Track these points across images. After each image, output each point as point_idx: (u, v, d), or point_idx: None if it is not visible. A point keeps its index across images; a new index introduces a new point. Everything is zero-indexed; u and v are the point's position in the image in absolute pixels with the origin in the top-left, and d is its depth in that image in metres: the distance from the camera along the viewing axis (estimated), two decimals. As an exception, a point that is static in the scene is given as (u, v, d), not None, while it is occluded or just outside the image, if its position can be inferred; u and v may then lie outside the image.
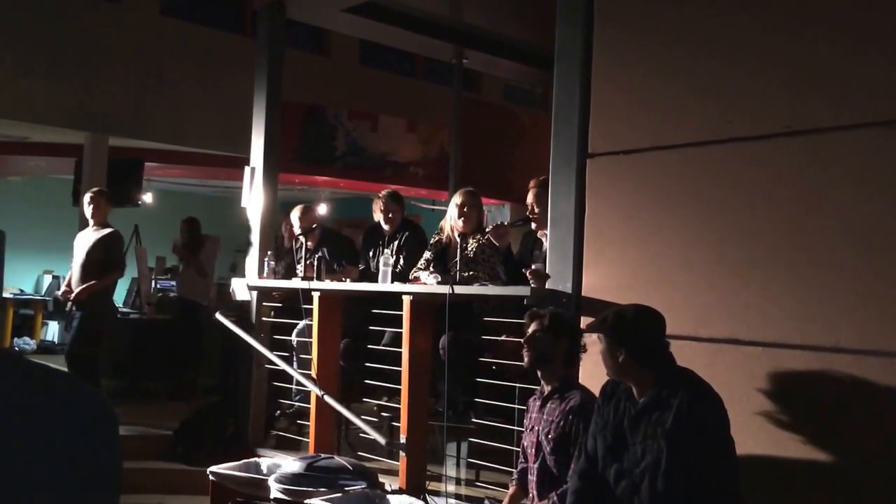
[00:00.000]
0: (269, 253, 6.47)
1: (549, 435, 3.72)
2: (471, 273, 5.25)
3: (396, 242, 6.15)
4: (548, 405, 3.80)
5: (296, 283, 6.06)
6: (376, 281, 5.58)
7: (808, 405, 3.54)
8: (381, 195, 6.29)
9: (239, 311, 6.64)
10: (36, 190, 12.82)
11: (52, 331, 12.33)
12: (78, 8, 9.27)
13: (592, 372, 4.07)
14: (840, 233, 3.47)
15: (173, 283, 9.94)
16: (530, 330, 3.81)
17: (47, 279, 12.94)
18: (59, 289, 12.52)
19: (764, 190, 3.72)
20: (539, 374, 3.88)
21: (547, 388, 3.85)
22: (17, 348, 11.79)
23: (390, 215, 6.17)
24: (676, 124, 4.04)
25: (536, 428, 3.82)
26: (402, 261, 5.98)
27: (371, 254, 6.28)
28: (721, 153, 3.85)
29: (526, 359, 3.82)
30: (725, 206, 3.83)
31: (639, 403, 3.15)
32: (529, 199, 5.37)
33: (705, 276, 3.87)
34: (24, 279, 13.07)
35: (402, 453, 5.09)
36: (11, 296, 12.55)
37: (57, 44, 8.96)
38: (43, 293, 12.91)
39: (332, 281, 5.94)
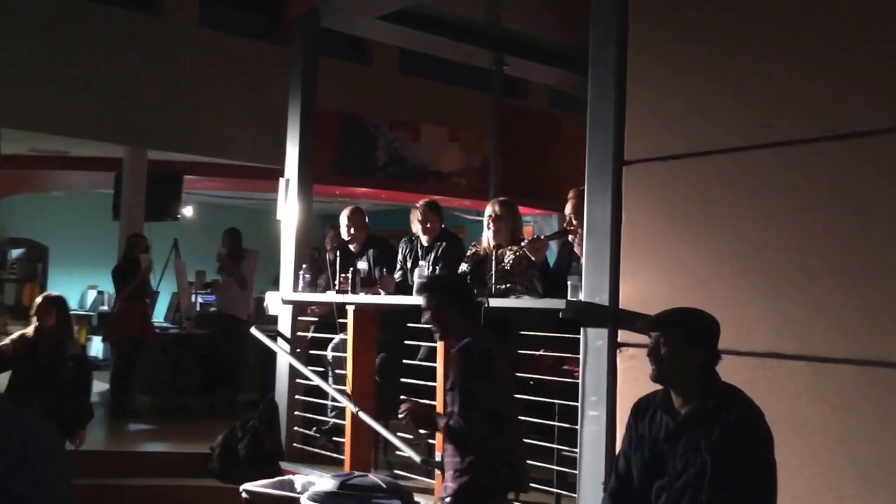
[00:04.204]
0: (303, 266, 6.38)
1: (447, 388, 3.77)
2: (507, 286, 5.11)
3: (433, 253, 6.02)
4: None
5: (330, 296, 5.97)
6: (412, 293, 5.45)
7: (854, 422, 3.38)
8: (418, 205, 6.18)
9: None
10: (78, 205, 12.96)
11: (97, 346, 12.44)
12: (116, 21, 9.32)
13: (630, 387, 3.93)
14: (887, 240, 3.33)
15: (213, 297, 9.93)
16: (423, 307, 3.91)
17: (91, 294, 13.05)
18: (103, 304, 12.70)
19: (806, 196, 3.58)
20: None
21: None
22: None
23: (428, 225, 6.05)
24: (714, 129, 3.90)
25: None
26: (437, 272, 5.84)
27: (409, 265, 6.15)
28: (761, 158, 3.72)
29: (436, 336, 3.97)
30: (766, 214, 3.70)
31: (680, 415, 3.01)
32: (567, 210, 5.24)
33: (746, 287, 3.73)
34: (68, 294, 13.14)
35: (437, 471, 4.96)
36: (56, 311, 12.68)
37: (95, 58, 9.03)
38: (87, 308, 13.01)
39: (366, 294, 5.83)
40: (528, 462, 4.79)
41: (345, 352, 5.84)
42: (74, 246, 12.69)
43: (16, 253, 12.79)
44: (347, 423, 5.68)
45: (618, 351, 4.15)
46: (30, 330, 5.62)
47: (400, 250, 6.30)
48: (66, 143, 9.66)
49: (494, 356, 3.81)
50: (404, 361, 5.59)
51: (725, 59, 3.91)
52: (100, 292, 12.80)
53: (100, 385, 9.93)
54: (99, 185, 11.43)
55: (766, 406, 2.97)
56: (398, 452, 5.43)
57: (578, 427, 4.31)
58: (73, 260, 12.79)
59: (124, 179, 9.72)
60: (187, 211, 11.55)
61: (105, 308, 12.15)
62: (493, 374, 3.73)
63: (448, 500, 3.75)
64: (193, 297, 10.33)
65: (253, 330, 6.63)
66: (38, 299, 5.75)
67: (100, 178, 10.86)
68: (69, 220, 12.89)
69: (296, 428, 6.35)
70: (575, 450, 4.35)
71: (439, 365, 5.03)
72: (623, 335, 4.15)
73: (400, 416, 3.99)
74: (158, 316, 10.28)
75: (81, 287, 13.24)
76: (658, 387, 3.15)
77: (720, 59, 3.93)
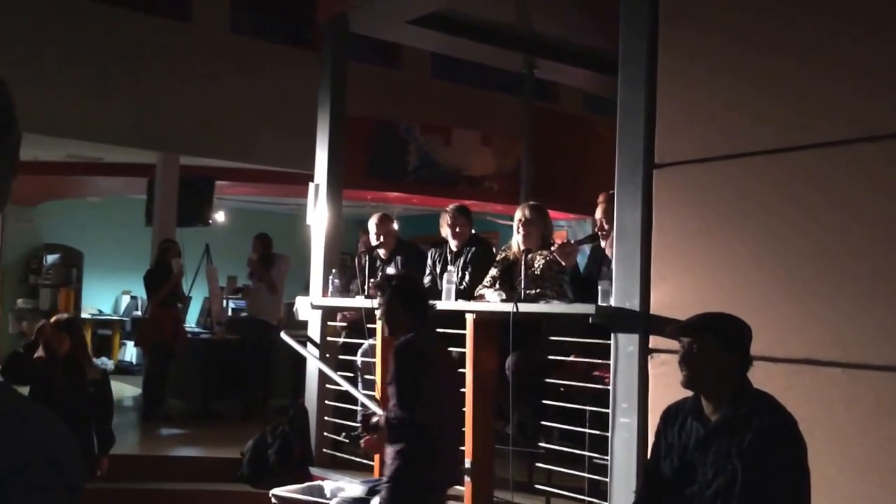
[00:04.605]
0: (333, 271, 6.36)
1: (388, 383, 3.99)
2: (537, 290, 5.06)
3: (462, 258, 5.97)
4: None
5: (359, 301, 5.94)
6: (441, 299, 5.41)
7: (893, 431, 3.28)
8: (448, 209, 6.13)
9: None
10: (113, 210, 13.07)
11: (130, 352, 12.54)
12: (149, 29, 9.41)
13: (662, 393, 3.86)
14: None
15: (244, 302, 9.96)
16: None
17: (125, 300, 13.17)
18: (137, 309, 12.85)
19: (842, 199, 3.48)
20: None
21: None
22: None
23: (457, 229, 6.00)
24: (747, 130, 3.81)
25: None
26: (467, 277, 5.79)
27: (438, 270, 6.11)
28: (796, 160, 3.62)
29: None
30: (801, 217, 3.60)
31: (710, 422, 2.96)
32: (598, 214, 5.19)
33: (780, 292, 3.63)
34: (102, 300, 13.33)
35: (467, 478, 4.91)
36: (90, 316, 12.81)
37: (128, 65, 9.11)
38: (121, 313, 13.13)
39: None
40: (562, 469, 4.79)
41: (374, 357, 5.81)
42: (108, 251, 12.80)
43: (51, 258, 12.93)
44: (377, 428, 5.63)
45: (649, 357, 4.08)
46: (40, 352, 5.29)
47: (429, 255, 6.27)
48: (101, 149, 9.76)
49: (434, 354, 4.06)
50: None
51: (759, 58, 3.81)
52: (133, 297, 12.89)
53: (132, 389, 10.03)
54: (132, 191, 11.54)
55: (801, 414, 2.90)
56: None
57: (609, 434, 4.24)
58: (107, 265, 12.90)
59: (157, 185, 9.79)
60: (219, 216, 11.60)
61: (138, 313, 12.25)
62: (430, 370, 3.95)
63: (383, 490, 4.00)
64: (225, 302, 10.37)
65: (283, 335, 6.63)
66: (48, 327, 5.35)
67: (133, 184, 10.96)
68: (103, 226, 13.01)
69: (325, 433, 6.33)
70: (606, 457, 4.28)
71: (468, 370, 4.97)
72: (654, 341, 4.07)
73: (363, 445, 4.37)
74: (190, 321, 10.34)
75: (115, 292, 13.36)
76: (688, 393, 3.10)
77: (754, 58, 3.83)
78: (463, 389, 4.48)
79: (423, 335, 4.04)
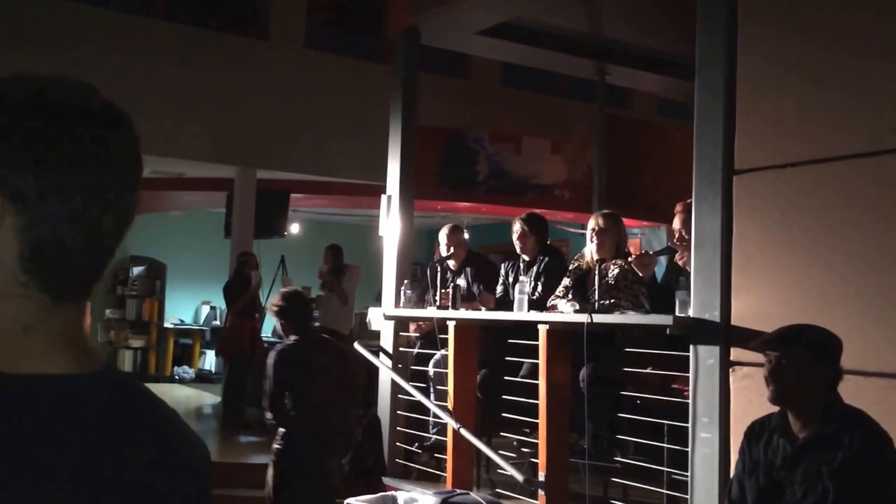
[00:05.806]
0: (405, 282, 6.36)
1: None
2: (612, 301, 4.97)
3: (535, 268, 5.90)
4: None
5: (431, 311, 5.92)
6: (512, 309, 5.35)
7: None
8: (517, 219, 6.08)
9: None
10: (193, 223, 13.40)
11: (210, 360, 12.80)
12: (227, 48, 9.62)
13: (745, 408, 3.74)
14: None
15: (317, 312, 10.05)
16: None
17: (205, 310, 13.45)
18: (216, 319, 13.12)
19: None
20: None
21: None
22: (177, 377, 12.33)
23: (519, 239, 5.92)
24: (834, 134, 3.67)
25: None
26: (540, 288, 5.72)
27: (511, 280, 6.06)
28: (886, 165, 3.46)
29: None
30: (891, 224, 3.45)
31: (799, 439, 2.86)
32: (676, 224, 5.05)
33: (872, 302, 3.48)
34: (183, 310, 13.64)
35: (540, 492, 4.83)
36: (172, 326, 13.14)
37: (209, 83, 9.32)
38: (201, 323, 13.42)
39: (467, 309, 5.76)
40: (639, 485, 4.68)
41: (446, 367, 5.78)
42: (189, 263, 13.11)
43: (137, 270, 13.30)
44: (449, 439, 5.61)
45: (731, 370, 3.94)
46: None
47: (502, 266, 6.22)
48: (183, 165, 10.00)
49: (306, 356, 4.98)
50: (506, 378, 5.49)
51: (846, 59, 3.67)
52: (212, 308, 13.17)
53: (212, 397, 10.21)
54: (212, 205, 11.79)
55: (896, 431, 2.77)
56: (500, 471, 5.33)
57: (689, 450, 4.12)
58: (188, 276, 13.21)
59: (235, 198, 9.97)
60: (294, 228, 11.75)
61: (217, 323, 12.50)
62: (297, 371, 4.91)
63: (270, 465, 4.99)
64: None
65: (356, 345, 6.65)
66: None
67: (213, 198, 11.19)
68: (185, 238, 13.34)
69: (398, 444, 6.31)
70: (686, 473, 4.16)
71: (541, 382, 4.90)
72: (736, 353, 3.93)
73: None
74: (266, 331, 10.49)
75: (196, 302, 13.67)
76: (773, 409, 2.99)
77: (840, 58, 3.69)
78: (348, 380, 5.36)
79: (302, 341, 5.01)
